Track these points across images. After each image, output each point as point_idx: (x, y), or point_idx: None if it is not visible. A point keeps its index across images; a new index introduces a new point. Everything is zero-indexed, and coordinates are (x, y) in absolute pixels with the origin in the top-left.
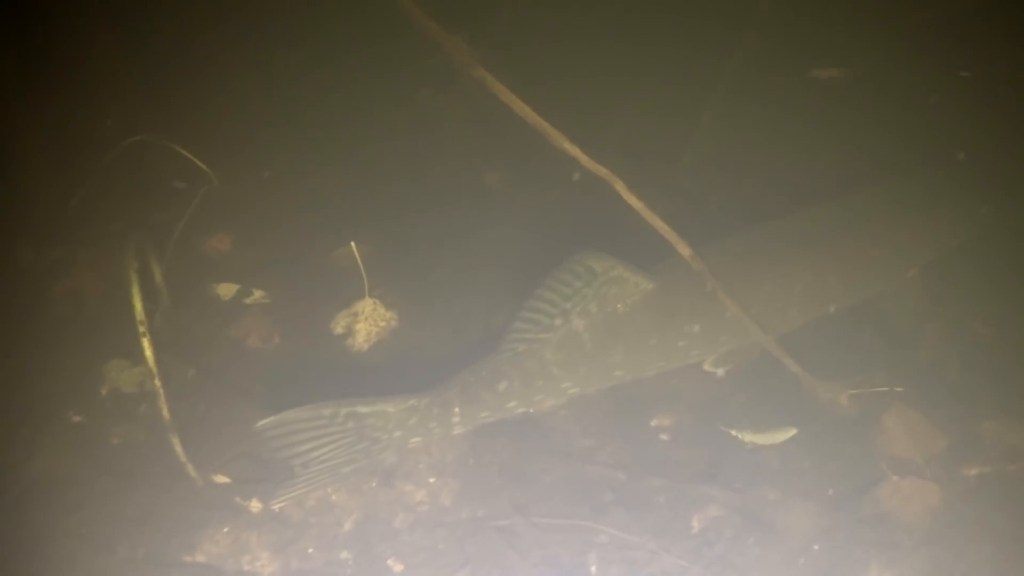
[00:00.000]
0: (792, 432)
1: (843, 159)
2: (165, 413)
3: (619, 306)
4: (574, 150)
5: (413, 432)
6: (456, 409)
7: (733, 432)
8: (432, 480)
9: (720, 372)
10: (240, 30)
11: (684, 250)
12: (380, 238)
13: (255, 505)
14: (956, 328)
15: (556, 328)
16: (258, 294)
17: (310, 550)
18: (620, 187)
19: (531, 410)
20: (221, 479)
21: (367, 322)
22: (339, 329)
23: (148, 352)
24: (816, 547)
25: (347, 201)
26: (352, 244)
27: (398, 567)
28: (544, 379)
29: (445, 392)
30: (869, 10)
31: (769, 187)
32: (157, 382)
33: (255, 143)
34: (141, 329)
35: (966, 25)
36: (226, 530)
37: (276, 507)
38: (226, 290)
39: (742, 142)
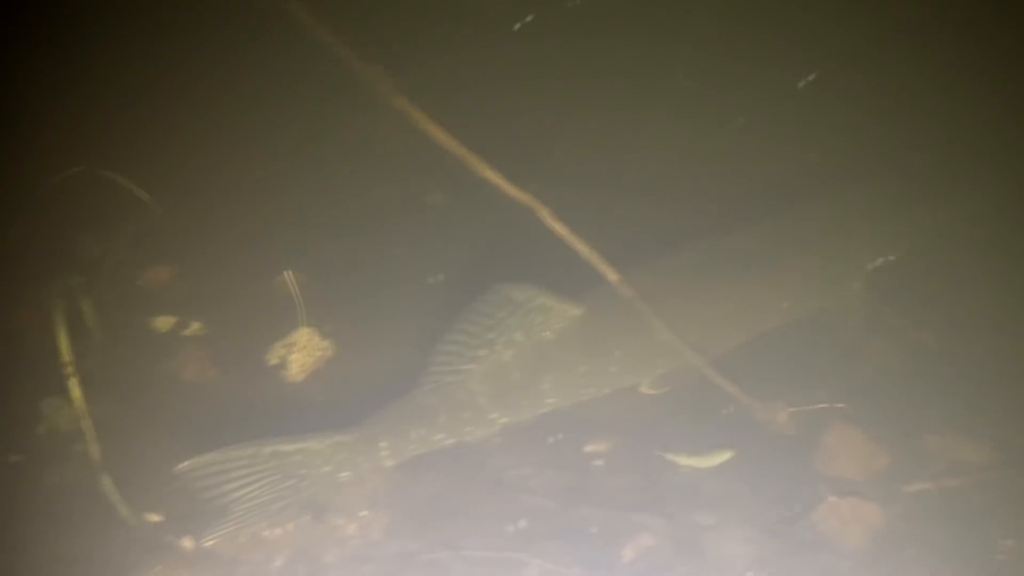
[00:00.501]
0: (728, 455)
1: (781, 173)
2: (95, 453)
3: (547, 334)
4: (495, 177)
5: (342, 467)
6: (383, 444)
7: (669, 456)
8: (364, 513)
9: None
10: (179, 61)
11: (611, 276)
12: (318, 266)
13: (187, 543)
14: (901, 338)
15: (481, 359)
16: (196, 326)
17: None
18: (545, 214)
19: (463, 440)
20: (153, 517)
21: (302, 352)
22: (274, 360)
23: (76, 392)
24: (750, 575)
25: (286, 229)
26: (287, 273)
27: None
28: (472, 410)
29: (372, 427)
30: (804, 26)
31: (707, 205)
32: (87, 422)
33: (196, 172)
34: (68, 369)
35: (903, 39)
36: (159, 568)
37: (208, 544)
38: (163, 323)
39: (676, 162)
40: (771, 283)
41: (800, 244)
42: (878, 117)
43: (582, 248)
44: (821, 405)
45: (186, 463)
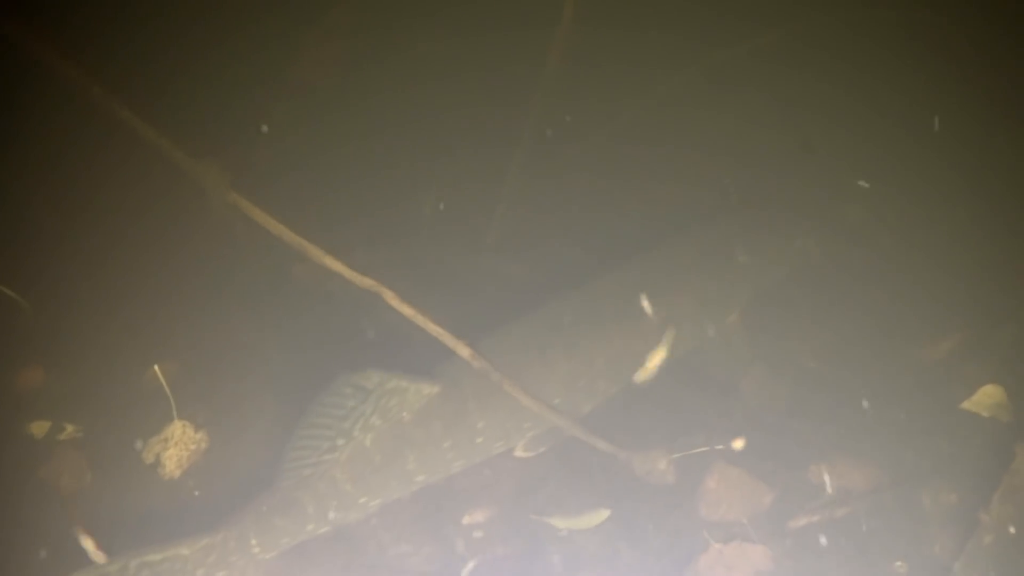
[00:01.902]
0: (605, 513)
1: (648, 212)
2: None
3: (404, 415)
4: (336, 265)
5: (215, 568)
6: (254, 540)
7: (547, 520)
8: None
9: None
10: (41, 164)
11: (463, 351)
12: (189, 356)
13: None
14: (782, 367)
15: (341, 447)
16: (71, 428)
17: None
18: (389, 297)
19: (336, 526)
20: None
21: (177, 447)
22: (150, 458)
23: None
24: None
25: (154, 321)
26: (156, 367)
27: None
28: (338, 498)
29: (238, 524)
30: (660, 60)
31: (557, 261)
32: None
33: (62, 270)
34: None
35: (762, 60)
36: None
37: None
38: (39, 428)
39: (522, 219)
40: (639, 330)
41: (665, 286)
42: (738, 149)
43: (431, 326)
44: (701, 449)
45: None
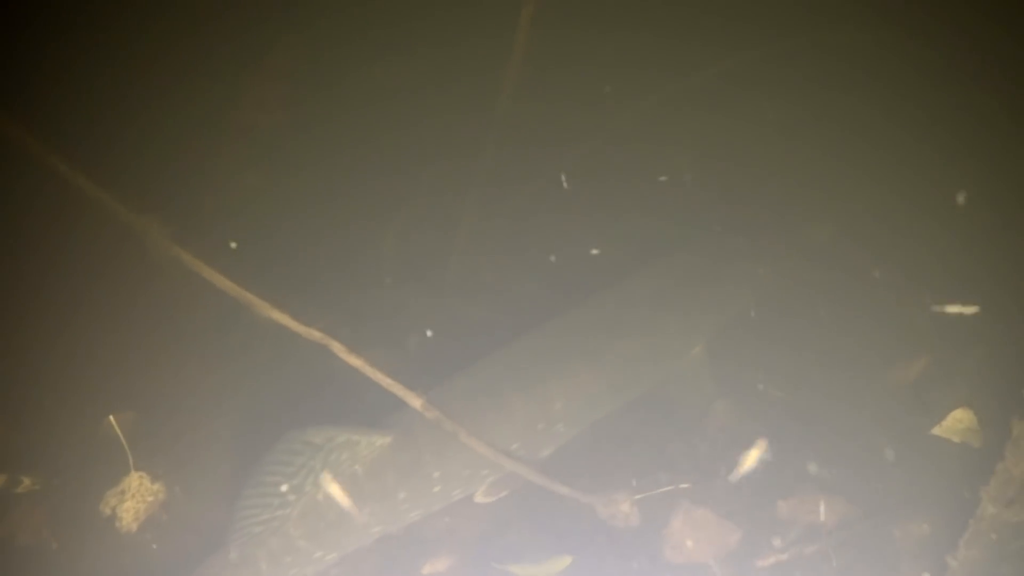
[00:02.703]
0: (568, 560)
1: (606, 249)
2: None
3: (357, 468)
4: (283, 318)
5: None
6: None
7: (509, 568)
8: None
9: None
10: None
11: (415, 401)
12: (144, 406)
13: None
14: (748, 399)
15: (293, 503)
16: (27, 482)
17: None
18: (338, 348)
19: None
20: None
21: (134, 499)
22: (107, 511)
23: None
24: None
25: (109, 372)
26: (111, 418)
27: None
28: (293, 554)
29: None
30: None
31: (513, 303)
32: None
33: (14, 322)
34: None
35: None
36: None
37: None
38: None
39: (479, 263)
40: (600, 369)
41: (626, 322)
42: (694, 181)
43: (381, 377)
44: (665, 488)
45: None
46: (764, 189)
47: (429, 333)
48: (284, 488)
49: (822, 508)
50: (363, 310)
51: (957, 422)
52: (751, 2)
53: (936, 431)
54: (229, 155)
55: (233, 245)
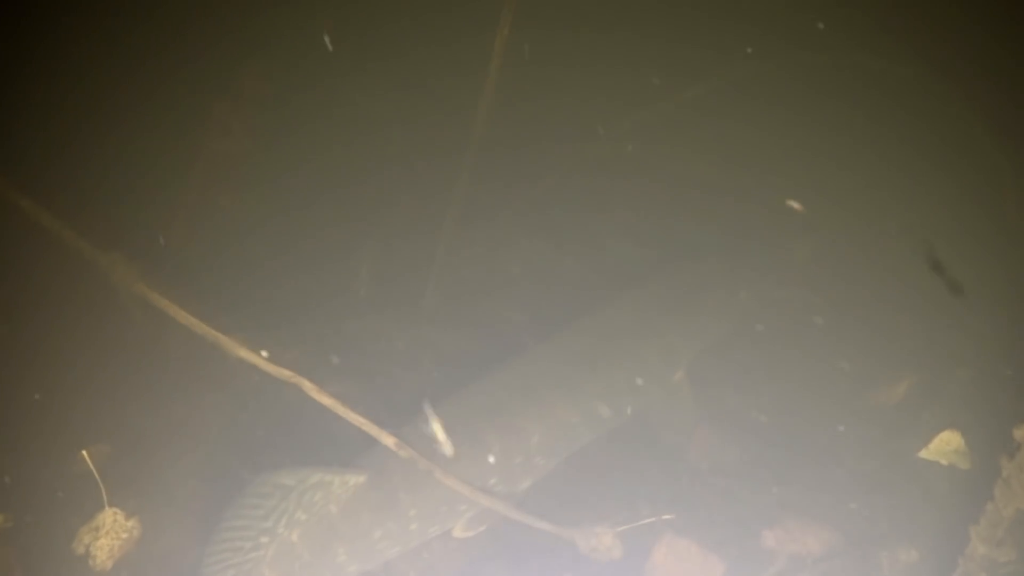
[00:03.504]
0: None
1: (584, 276)
2: None
3: (331, 508)
4: (253, 357)
5: None
6: None
7: None
8: None
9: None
10: None
11: (387, 439)
12: (118, 442)
13: None
14: (731, 424)
15: (265, 545)
16: (0, 519)
17: None
18: (308, 387)
19: None
20: None
21: (108, 536)
22: (81, 549)
23: None
24: None
25: (81, 407)
26: (84, 453)
27: None
28: None
29: None
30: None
31: (489, 331)
32: None
33: None
34: None
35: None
36: None
37: None
38: None
39: (456, 288)
40: (577, 400)
41: (604, 351)
42: (674, 203)
43: (353, 416)
44: (648, 520)
45: None
46: (742, 212)
47: (401, 369)
48: (256, 532)
49: (808, 538)
50: (334, 347)
51: (944, 444)
52: (718, 31)
53: (923, 454)
54: (195, 186)
55: (201, 282)
